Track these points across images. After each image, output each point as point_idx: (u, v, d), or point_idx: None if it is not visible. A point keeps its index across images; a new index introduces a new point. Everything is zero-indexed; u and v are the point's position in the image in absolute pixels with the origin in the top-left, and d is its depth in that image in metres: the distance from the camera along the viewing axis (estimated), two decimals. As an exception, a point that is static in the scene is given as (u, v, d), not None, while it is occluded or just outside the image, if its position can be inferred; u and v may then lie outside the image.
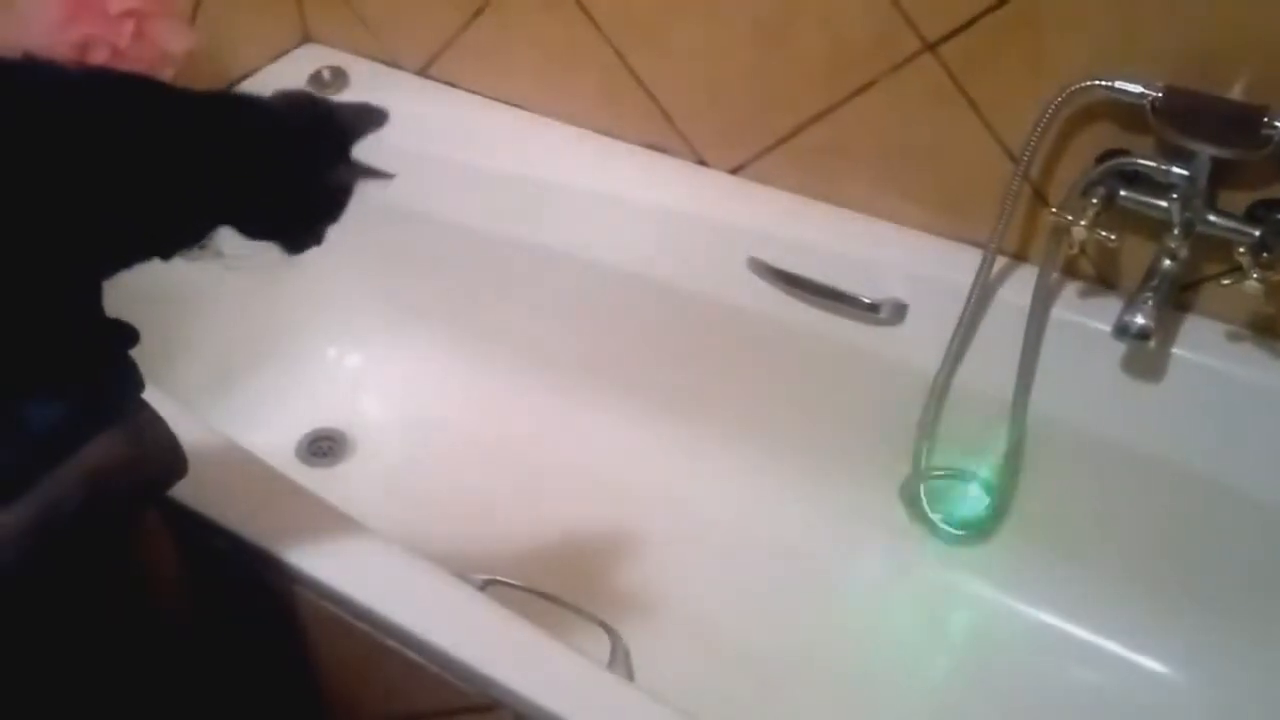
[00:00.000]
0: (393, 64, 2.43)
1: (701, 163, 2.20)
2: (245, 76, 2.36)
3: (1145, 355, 1.84)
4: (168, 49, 1.87)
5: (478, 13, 2.26)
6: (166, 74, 1.82)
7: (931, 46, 1.85)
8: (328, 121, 1.25)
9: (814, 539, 2.20)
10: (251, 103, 1.21)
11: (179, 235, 1.19)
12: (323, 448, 2.39)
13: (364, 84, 2.33)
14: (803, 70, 1.99)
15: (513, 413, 2.42)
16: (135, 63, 1.78)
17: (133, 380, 1.22)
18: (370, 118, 1.27)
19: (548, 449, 2.36)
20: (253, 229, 1.23)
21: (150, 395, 1.24)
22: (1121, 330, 1.75)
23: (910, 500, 2.14)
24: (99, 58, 1.77)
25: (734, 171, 2.17)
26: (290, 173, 1.20)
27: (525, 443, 2.38)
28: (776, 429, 2.24)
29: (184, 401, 1.47)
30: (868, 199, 2.06)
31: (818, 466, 2.21)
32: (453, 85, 2.40)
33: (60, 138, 1.04)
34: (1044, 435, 1.97)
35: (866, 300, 2.01)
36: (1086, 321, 1.89)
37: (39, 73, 1.10)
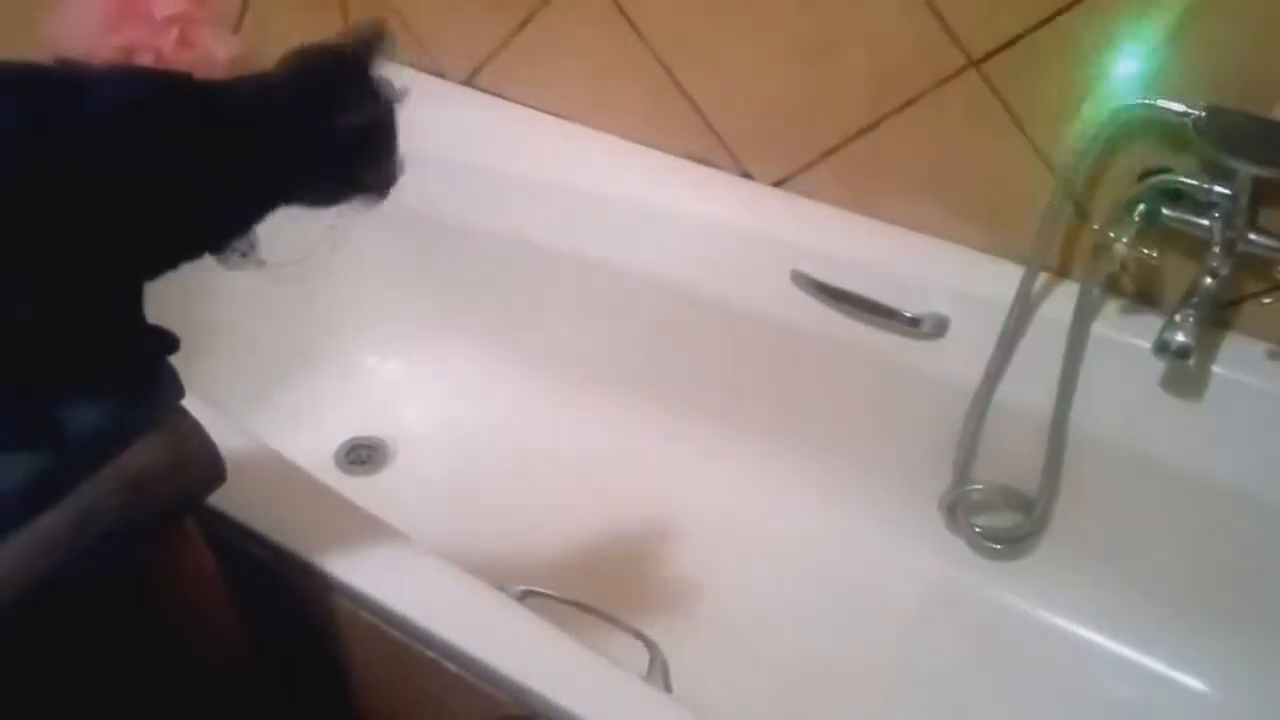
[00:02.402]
0: (438, 74, 2.44)
1: (746, 175, 2.20)
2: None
3: (1185, 373, 1.84)
4: (212, 55, 1.88)
5: (524, 24, 2.27)
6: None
7: (976, 63, 1.85)
8: (332, 62, 1.23)
9: (854, 551, 2.20)
10: (255, 78, 1.21)
11: (228, 227, 1.19)
12: (362, 456, 2.40)
13: (408, 93, 2.33)
14: (847, 85, 1.99)
15: (553, 422, 2.42)
16: (179, 69, 1.78)
17: (173, 386, 1.23)
18: (371, 39, 1.24)
19: (588, 459, 2.36)
20: (312, 197, 1.23)
21: (190, 402, 1.24)
22: (1162, 347, 1.74)
23: (950, 513, 2.13)
24: (143, 63, 1.78)
25: (778, 184, 2.17)
26: (315, 127, 1.19)
27: (565, 453, 2.38)
28: (817, 441, 2.24)
29: (223, 408, 1.47)
30: (911, 213, 2.05)
31: (858, 479, 2.21)
32: (498, 95, 2.41)
33: (95, 142, 1.05)
34: (1084, 451, 1.97)
35: (908, 314, 2.01)
36: (1127, 338, 1.89)
37: (74, 77, 1.11)
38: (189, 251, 1.16)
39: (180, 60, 1.70)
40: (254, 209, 1.19)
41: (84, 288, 1.09)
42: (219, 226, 1.19)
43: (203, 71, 1.25)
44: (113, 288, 1.13)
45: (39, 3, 1.75)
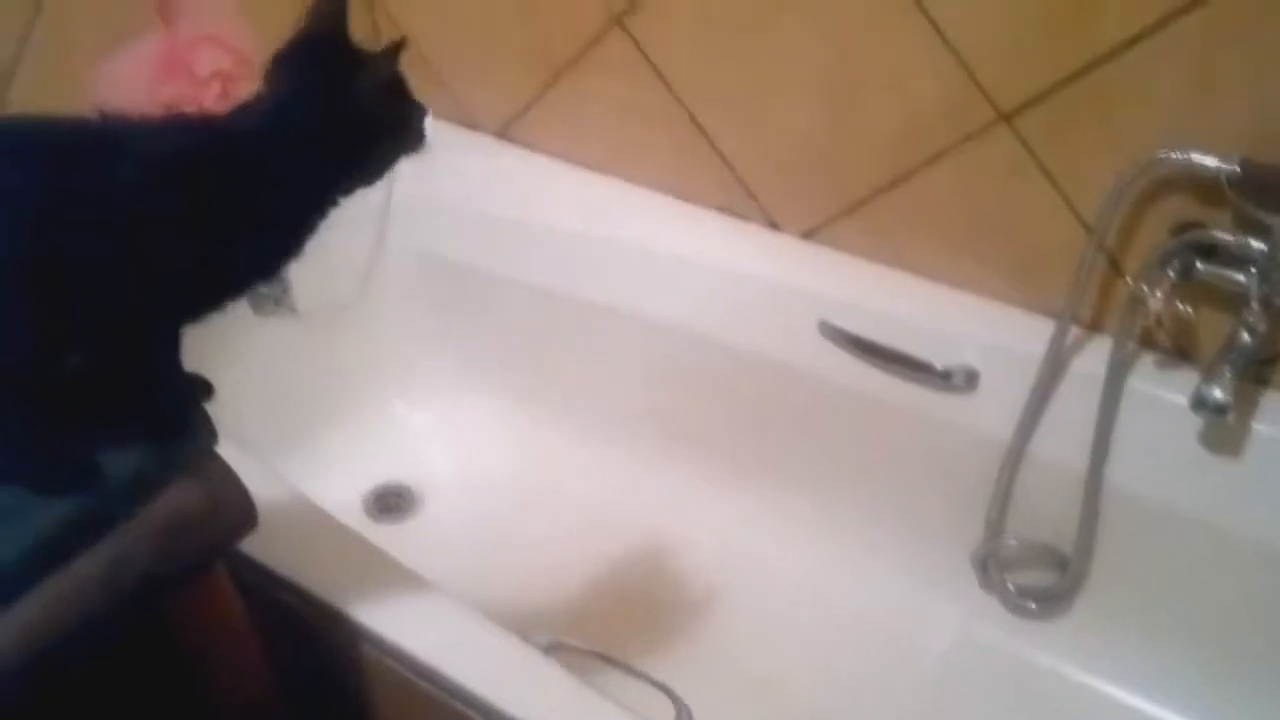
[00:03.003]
0: (470, 126, 2.45)
1: (773, 226, 2.20)
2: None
3: (1223, 429, 1.81)
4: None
5: (556, 78, 2.28)
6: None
7: (1006, 116, 1.84)
8: (316, 53, 1.22)
9: (884, 606, 2.18)
10: (260, 103, 1.21)
11: (277, 256, 1.19)
12: (390, 503, 2.40)
13: (441, 145, 2.34)
14: (876, 137, 1.99)
15: (581, 472, 2.42)
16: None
17: (207, 432, 1.23)
18: (332, 9, 1.22)
19: (615, 509, 2.35)
20: (358, 182, 1.23)
21: (222, 447, 1.24)
22: (1199, 403, 1.72)
23: (982, 569, 2.11)
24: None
25: (806, 236, 2.17)
26: (334, 122, 1.19)
27: (593, 502, 2.37)
28: (846, 494, 2.23)
29: (254, 454, 1.47)
30: (941, 266, 2.05)
31: (888, 533, 2.20)
32: (529, 148, 2.41)
33: (133, 193, 1.05)
34: (1119, 507, 1.94)
35: (938, 367, 2.00)
36: (1163, 394, 1.86)
37: (115, 130, 1.12)
38: (236, 289, 1.17)
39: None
40: (301, 229, 1.18)
41: (126, 336, 1.09)
42: (266, 259, 1.19)
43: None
44: (154, 334, 1.14)
45: (86, 59, 1.77)
